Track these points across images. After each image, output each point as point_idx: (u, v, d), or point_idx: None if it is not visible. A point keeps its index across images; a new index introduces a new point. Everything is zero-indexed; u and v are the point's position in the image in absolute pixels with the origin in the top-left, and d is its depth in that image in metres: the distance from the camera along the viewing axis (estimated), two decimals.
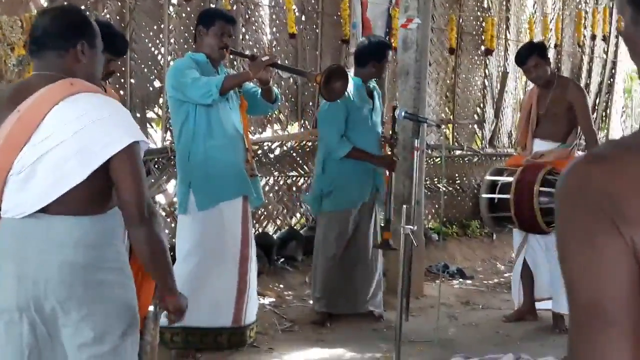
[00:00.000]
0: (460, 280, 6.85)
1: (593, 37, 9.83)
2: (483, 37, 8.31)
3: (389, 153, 5.02)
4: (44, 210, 2.27)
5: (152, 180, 5.72)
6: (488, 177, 5.40)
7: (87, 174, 2.24)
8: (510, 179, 5.10)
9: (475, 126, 8.78)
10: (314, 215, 6.55)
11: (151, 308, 2.59)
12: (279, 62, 4.70)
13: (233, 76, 4.24)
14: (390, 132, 5.04)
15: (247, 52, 5.44)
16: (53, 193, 2.25)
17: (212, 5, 5.93)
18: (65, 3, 5.16)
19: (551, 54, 8.96)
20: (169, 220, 5.92)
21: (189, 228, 4.25)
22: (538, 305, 5.34)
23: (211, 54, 4.26)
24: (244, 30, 6.43)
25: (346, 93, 4.43)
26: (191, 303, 2.77)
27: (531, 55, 5.13)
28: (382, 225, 4.87)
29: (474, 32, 8.49)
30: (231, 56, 4.94)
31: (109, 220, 2.36)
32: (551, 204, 4.87)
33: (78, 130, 2.24)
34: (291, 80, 6.78)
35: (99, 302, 2.31)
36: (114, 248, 2.38)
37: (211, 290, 4.17)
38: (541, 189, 4.90)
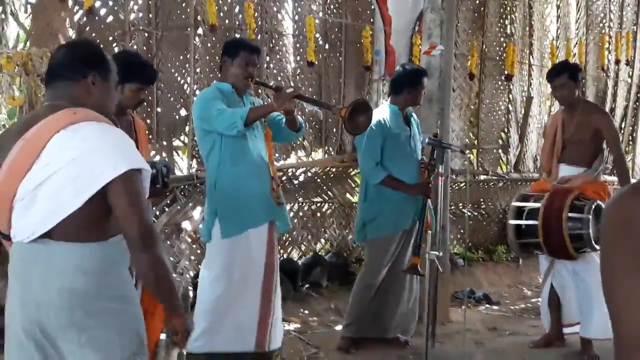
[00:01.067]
0: (487, 305, 6.80)
1: (617, 62, 9.79)
2: (506, 63, 8.32)
3: (426, 179, 4.99)
4: (49, 235, 2.30)
5: (179, 207, 5.79)
6: (515, 203, 5.36)
7: (82, 202, 2.26)
8: (538, 204, 5.06)
9: (500, 151, 8.76)
10: (357, 242, 6.59)
11: (163, 336, 2.58)
12: (303, 94, 4.71)
13: (258, 108, 4.27)
14: (429, 159, 4.99)
15: (272, 83, 5.49)
16: (51, 220, 2.28)
17: (237, 35, 6.02)
18: (93, 35, 5.29)
19: None
20: (194, 246, 5.97)
21: (215, 255, 4.28)
22: (566, 330, 5.29)
23: (236, 83, 4.32)
24: (268, 59, 6.51)
25: (382, 120, 4.45)
26: (216, 327, 2.79)
27: (562, 73, 5.13)
28: (412, 250, 4.83)
29: (497, 58, 8.51)
30: (256, 86, 5.00)
31: (111, 247, 2.37)
32: (580, 229, 4.85)
33: (75, 157, 2.27)
34: (315, 108, 6.83)
35: (100, 329, 2.32)
36: (116, 275, 2.39)
37: (235, 315, 4.20)
38: (570, 214, 4.86)
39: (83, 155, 2.28)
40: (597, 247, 4.81)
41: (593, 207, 4.88)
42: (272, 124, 4.45)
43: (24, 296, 2.32)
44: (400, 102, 5.11)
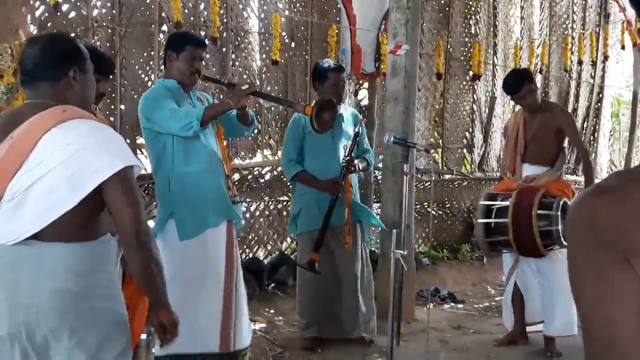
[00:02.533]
0: (451, 304, 6.85)
1: (580, 62, 9.93)
2: (471, 63, 8.39)
3: (340, 178, 4.93)
4: (35, 236, 2.26)
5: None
6: (483, 202, 5.40)
7: (78, 200, 2.24)
8: (507, 203, 5.10)
9: (465, 150, 8.83)
10: (293, 236, 6.59)
11: (143, 336, 2.57)
12: (259, 89, 4.65)
13: (213, 107, 4.18)
14: (348, 157, 4.95)
15: (224, 80, 5.38)
16: (44, 220, 2.25)
17: (202, 33, 5.97)
18: (55, 31, 5.20)
19: (538, 79, 9.06)
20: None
21: (170, 257, 4.06)
22: (529, 328, 5.34)
23: (182, 78, 4.20)
24: (233, 57, 6.47)
25: (301, 116, 4.50)
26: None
27: (523, 84, 5.16)
28: (313, 246, 4.83)
29: (462, 58, 8.57)
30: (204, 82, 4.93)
31: (101, 246, 2.35)
32: (549, 226, 4.91)
33: (69, 156, 2.25)
34: (281, 106, 6.80)
35: (91, 330, 2.30)
36: (106, 275, 2.37)
37: (194, 316, 4.05)
38: (539, 212, 4.92)
39: (77, 153, 2.25)
40: (566, 243, 4.87)
41: (561, 204, 4.94)
42: (224, 120, 4.36)
43: (11, 299, 2.26)
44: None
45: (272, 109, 6.81)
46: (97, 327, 2.31)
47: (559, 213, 4.88)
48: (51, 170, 2.24)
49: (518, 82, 5.20)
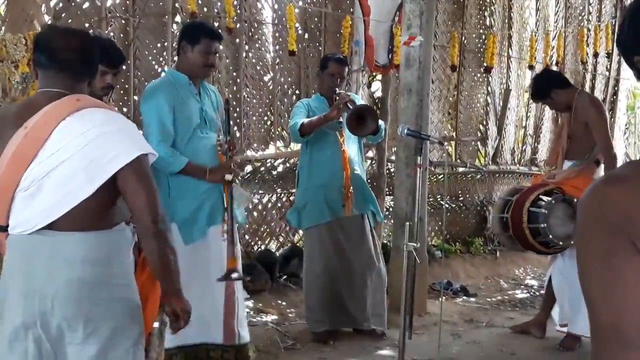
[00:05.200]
0: (464, 297, 6.83)
1: (595, 55, 9.84)
2: (485, 55, 8.33)
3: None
4: (50, 226, 2.27)
5: None
6: (501, 197, 5.47)
7: (95, 188, 2.25)
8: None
9: (478, 143, 8.79)
10: (295, 229, 6.58)
11: (156, 324, 2.58)
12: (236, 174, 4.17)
13: (194, 169, 4.05)
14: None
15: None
16: (61, 209, 2.25)
17: (216, 24, 5.95)
18: (69, 21, 5.21)
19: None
20: None
21: None
22: (562, 329, 5.26)
23: (194, 70, 4.14)
24: (247, 48, 6.45)
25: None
26: None
27: (546, 90, 5.16)
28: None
29: (477, 50, 8.52)
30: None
31: (116, 235, 2.36)
32: (539, 223, 4.91)
33: (85, 145, 2.25)
34: (294, 97, 6.79)
35: (106, 319, 2.31)
36: (120, 264, 2.38)
37: (198, 307, 4.03)
38: (531, 208, 4.94)
39: (92, 142, 2.26)
40: (557, 241, 4.89)
41: (554, 202, 4.94)
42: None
43: (27, 288, 2.27)
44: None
45: (285, 100, 6.80)
46: (112, 316, 2.32)
47: (546, 211, 4.91)
48: (67, 159, 2.25)
49: (546, 87, 5.20)
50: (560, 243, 4.96)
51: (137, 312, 2.42)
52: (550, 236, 4.91)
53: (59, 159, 2.25)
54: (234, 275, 3.97)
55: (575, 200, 5.00)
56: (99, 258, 2.30)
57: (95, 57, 2.46)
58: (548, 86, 5.19)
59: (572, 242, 4.97)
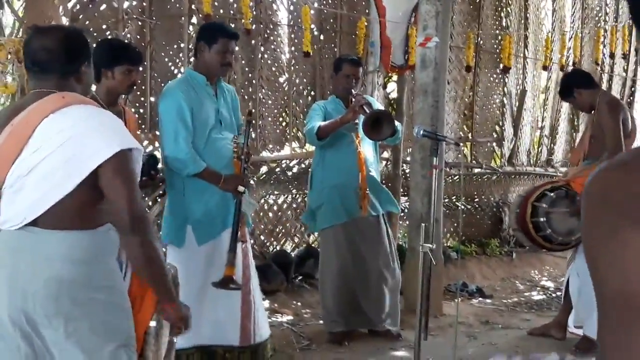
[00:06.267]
0: (480, 299, 6.80)
1: (612, 56, 9.79)
2: (501, 55, 8.30)
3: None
4: (35, 223, 2.26)
5: None
6: (519, 194, 5.59)
7: (75, 185, 2.23)
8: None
9: (494, 144, 8.76)
10: (310, 232, 6.58)
11: (152, 324, 2.54)
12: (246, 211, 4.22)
13: (210, 175, 4.05)
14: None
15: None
16: (42, 206, 2.24)
17: (232, 25, 5.97)
18: (87, 22, 5.25)
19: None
20: None
21: (189, 260, 4.06)
22: (577, 331, 5.25)
23: (212, 70, 4.16)
24: (262, 49, 6.47)
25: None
26: (197, 322, 2.77)
27: (571, 88, 5.17)
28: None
29: (492, 51, 8.49)
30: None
31: (100, 236, 2.33)
32: (540, 217, 5.00)
33: (65, 141, 2.24)
34: (309, 98, 6.80)
35: (86, 320, 2.28)
36: (104, 265, 2.35)
37: (214, 311, 4.07)
38: (535, 203, 4.98)
39: (73, 138, 2.24)
40: (557, 236, 4.92)
41: (555, 197, 5.02)
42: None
43: (11, 284, 2.28)
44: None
45: (301, 101, 6.81)
46: (93, 317, 2.29)
47: (546, 205, 4.99)
48: (48, 156, 2.23)
49: (566, 89, 5.25)
50: (560, 238, 4.99)
51: (122, 315, 2.38)
52: (549, 230, 4.97)
53: (41, 156, 2.24)
54: (232, 285, 3.95)
55: (578, 197, 5.01)
56: (79, 257, 2.27)
57: (77, 52, 2.42)
58: (572, 85, 5.20)
59: (573, 238, 5.02)
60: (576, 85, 5.17)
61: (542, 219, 4.99)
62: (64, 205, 2.25)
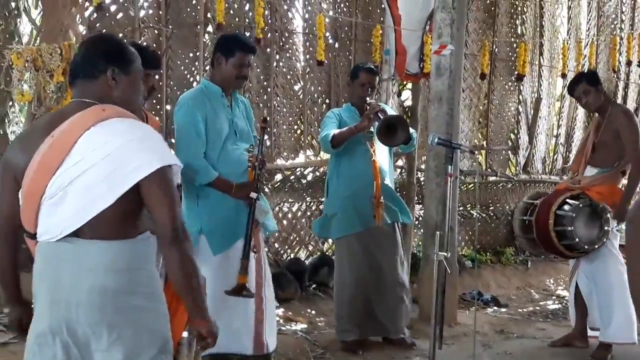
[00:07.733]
0: (495, 308, 6.77)
1: (628, 63, 9.73)
2: (516, 63, 8.28)
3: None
4: (76, 234, 2.29)
5: None
6: (524, 200, 5.53)
7: (116, 198, 2.26)
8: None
9: (509, 152, 8.72)
10: (320, 237, 6.57)
11: (185, 334, 2.57)
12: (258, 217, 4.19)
13: (220, 183, 4.09)
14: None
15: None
16: (82, 217, 2.27)
17: (247, 34, 5.99)
18: (104, 31, 5.29)
19: None
20: None
21: (204, 269, 4.04)
22: (591, 333, 5.24)
23: (227, 82, 4.19)
24: (277, 57, 6.49)
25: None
26: None
27: (579, 82, 5.17)
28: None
29: (507, 58, 8.47)
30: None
31: (140, 244, 2.37)
32: (564, 226, 4.96)
33: (107, 154, 2.27)
34: (324, 106, 6.81)
35: (130, 327, 2.31)
36: (145, 273, 2.38)
37: (229, 319, 4.04)
38: (558, 211, 4.95)
39: (115, 152, 2.27)
40: (583, 244, 4.90)
41: (581, 205, 4.94)
42: None
43: (52, 295, 2.30)
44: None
45: (315, 109, 6.82)
46: (136, 324, 2.33)
47: (573, 214, 4.95)
48: (90, 168, 2.26)
49: (575, 81, 5.26)
50: (586, 247, 4.96)
51: (162, 321, 2.42)
52: (577, 239, 4.93)
53: (82, 168, 2.27)
54: (245, 292, 3.99)
55: (600, 206, 4.98)
56: (122, 266, 2.31)
57: (96, 53, 2.44)
58: (582, 79, 5.21)
59: (595, 247, 5.00)
60: (586, 80, 5.18)
61: (569, 228, 4.95)
62: (105, 215, 2.28)
